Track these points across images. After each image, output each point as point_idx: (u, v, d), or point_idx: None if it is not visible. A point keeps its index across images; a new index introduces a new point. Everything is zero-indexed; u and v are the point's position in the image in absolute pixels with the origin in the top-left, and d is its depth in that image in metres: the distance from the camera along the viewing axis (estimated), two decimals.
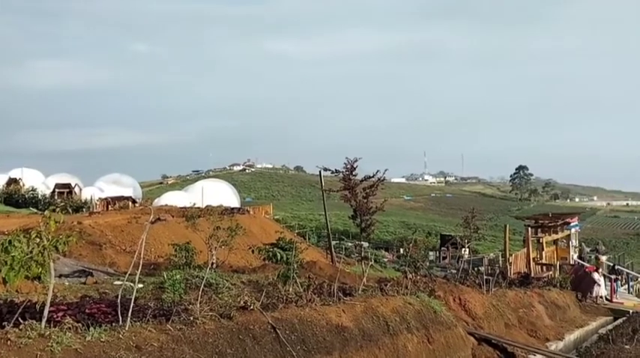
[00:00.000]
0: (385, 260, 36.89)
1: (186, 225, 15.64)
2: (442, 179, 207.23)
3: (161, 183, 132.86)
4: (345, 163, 14.45)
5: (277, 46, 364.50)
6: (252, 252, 10.28)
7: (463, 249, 38.19)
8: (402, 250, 37.23)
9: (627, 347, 12.39)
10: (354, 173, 14.46)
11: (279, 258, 9.08)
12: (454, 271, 22.99)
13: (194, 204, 30.59)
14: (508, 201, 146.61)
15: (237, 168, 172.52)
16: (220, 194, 39.60)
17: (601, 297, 22.31)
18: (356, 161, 14.42)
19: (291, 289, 7.64)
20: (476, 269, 24.54)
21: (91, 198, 36.31)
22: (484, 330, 11.41)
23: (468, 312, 11.87)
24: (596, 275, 22.88)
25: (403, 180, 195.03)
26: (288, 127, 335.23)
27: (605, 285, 24.10)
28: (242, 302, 6.59)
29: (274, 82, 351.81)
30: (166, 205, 33.36)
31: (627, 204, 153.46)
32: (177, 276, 6.38)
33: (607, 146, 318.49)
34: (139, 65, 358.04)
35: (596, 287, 22.10)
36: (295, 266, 8.78)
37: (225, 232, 9.37)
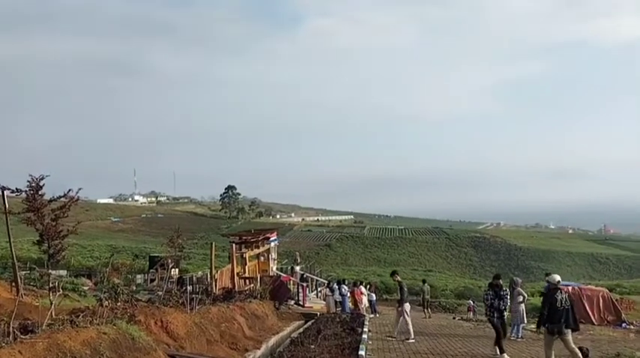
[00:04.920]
0: (86, 288, 33.85)
1: None
2: (154, 199, 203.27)
3: None
4: (28, 181, 12.58)
5: None
6: None
7: (172, 270, 37.93)
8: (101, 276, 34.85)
9: (312, 346, 13.93)
10: (39, 192, 12.71)
11: None
12: (161, 293, 22.53)
13: None
14: (218, 220, 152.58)
15: None
16: None
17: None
18: (42, 179, 12.71)
19: None
20: (183, 288, 24.56)
21: None
22: (186, 350, 11.34)
23: (169, 334, 11.64)
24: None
25: (111, 200, 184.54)
26: None
27: (299, 292, 27.04)
28: None
29: None
30: None
31: (318, 220, 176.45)
32: None
33: (306, 167, 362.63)
34: None
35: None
36: None
37: None
